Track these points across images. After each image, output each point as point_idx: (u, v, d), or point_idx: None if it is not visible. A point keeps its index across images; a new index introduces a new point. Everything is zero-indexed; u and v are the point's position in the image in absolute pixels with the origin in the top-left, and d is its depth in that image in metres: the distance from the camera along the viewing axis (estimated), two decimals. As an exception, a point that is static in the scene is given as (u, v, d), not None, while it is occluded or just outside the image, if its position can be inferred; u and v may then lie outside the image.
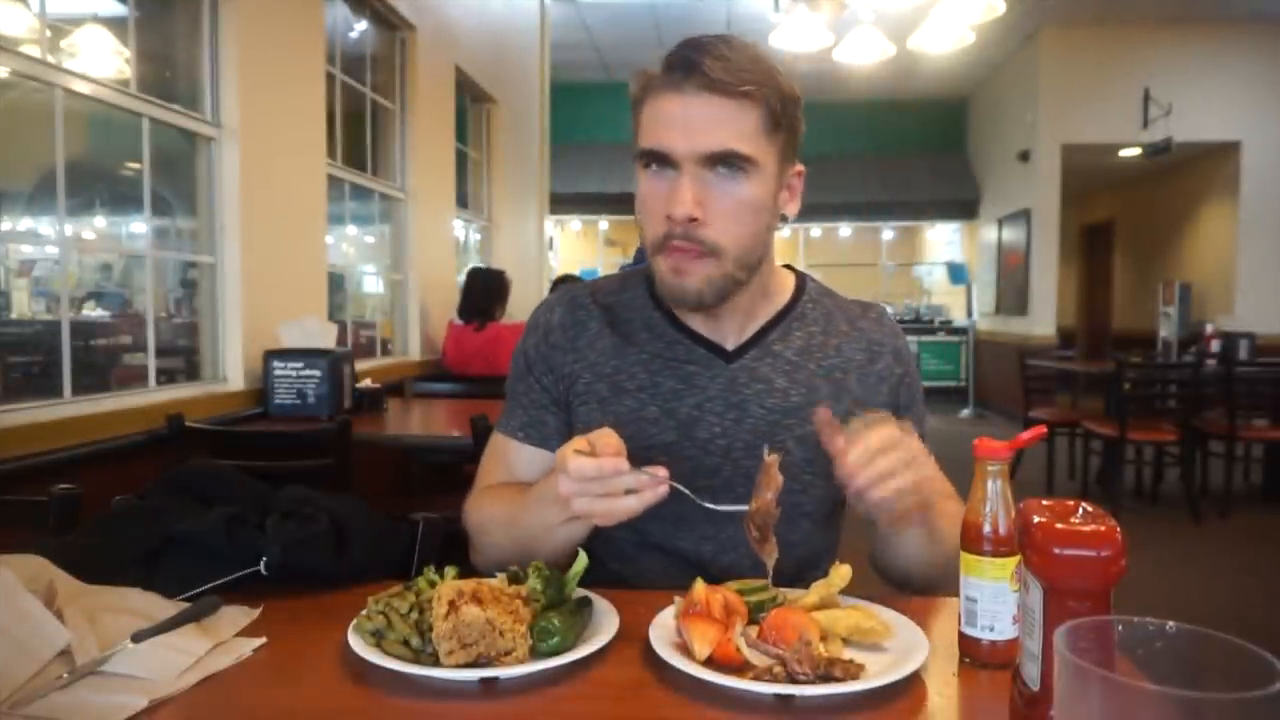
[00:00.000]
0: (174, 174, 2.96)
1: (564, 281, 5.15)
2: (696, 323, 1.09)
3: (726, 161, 0.95)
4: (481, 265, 4.46)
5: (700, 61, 0.93)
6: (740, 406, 1.07)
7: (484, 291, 4.28)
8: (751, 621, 0.84)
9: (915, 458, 0.87)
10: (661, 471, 0.85)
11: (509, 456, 1.14)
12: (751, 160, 0.96)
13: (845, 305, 1.18)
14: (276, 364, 2.90)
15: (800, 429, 1.07)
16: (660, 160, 0.96)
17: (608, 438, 0.86)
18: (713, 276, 0.99)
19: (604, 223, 11.12)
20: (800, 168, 1.06)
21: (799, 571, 1.08)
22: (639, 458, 1.02)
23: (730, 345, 1.09)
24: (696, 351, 1.08)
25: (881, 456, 0.86)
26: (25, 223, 3.08)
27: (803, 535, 1.09)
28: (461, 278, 5.82)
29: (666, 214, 0.96)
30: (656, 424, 1.06)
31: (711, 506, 0.90)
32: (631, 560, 1.09)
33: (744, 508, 0.88)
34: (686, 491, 0.88)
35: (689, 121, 0.94)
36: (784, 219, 1.06)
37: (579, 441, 0.85)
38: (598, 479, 0.83)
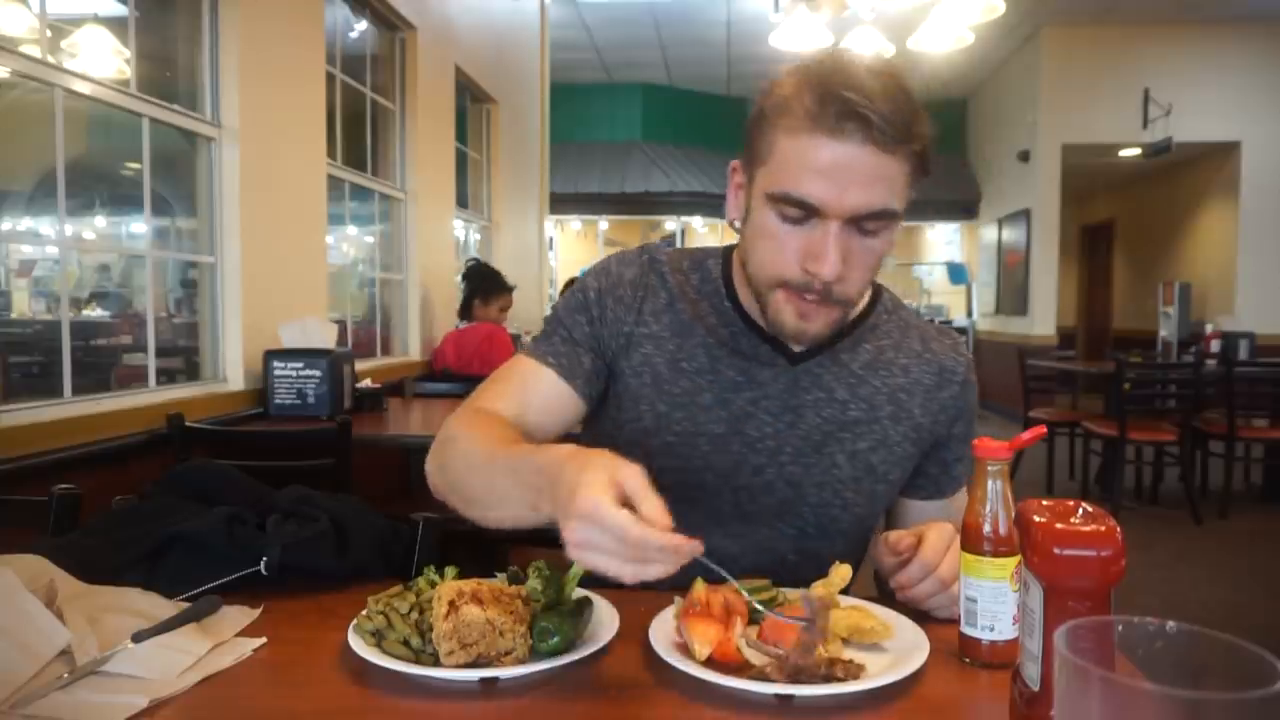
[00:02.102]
0: (174, 174, 2.96)
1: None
2: (765, 320, 1.05)
3: (875, 218, 0.90)
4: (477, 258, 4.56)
5: (865, 111, 0.85)
6: (796, 411, 1.04)
7: (475, 280, 4.36)
8: (751, 621, 0.84)
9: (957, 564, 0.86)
10: (694, 544, 0.71)
11: (528, 377, 1.05)
12: (898, 214, 0.92)
13: (921, 324, 1.15)
14: (276, 364, 2.90)
15: (853, 444, 1.05)
16: (803, 208, 0.90)
17: (657, 506, 0.71)
18: (835, 321, 0.98)
19: (604, 223, 11.11)
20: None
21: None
22: (686, 442, 1.03)
23: (796, 347, 1.05)
24: (761, 348, 1.05)
25: (933, 577, 0.87)
26: (25, 223, 3.09)
27: (837, 553, 1.05)
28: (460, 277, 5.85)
29: (805, 267, 0.92)
30: (709, 412, 1.03)
31: (763, 610, 0.80)
32: None
33: (800, 619, 0.77)
34: (722, 572, 0.78)
35: (846, 176, 0.87)
36: None
37: (609, 486, 0.70)
38: (633, 546, 0.68)
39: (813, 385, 1.05)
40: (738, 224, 1.02)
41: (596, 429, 1.11)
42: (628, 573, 0.69)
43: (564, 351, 1.05)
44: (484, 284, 4.38)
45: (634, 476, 0.72)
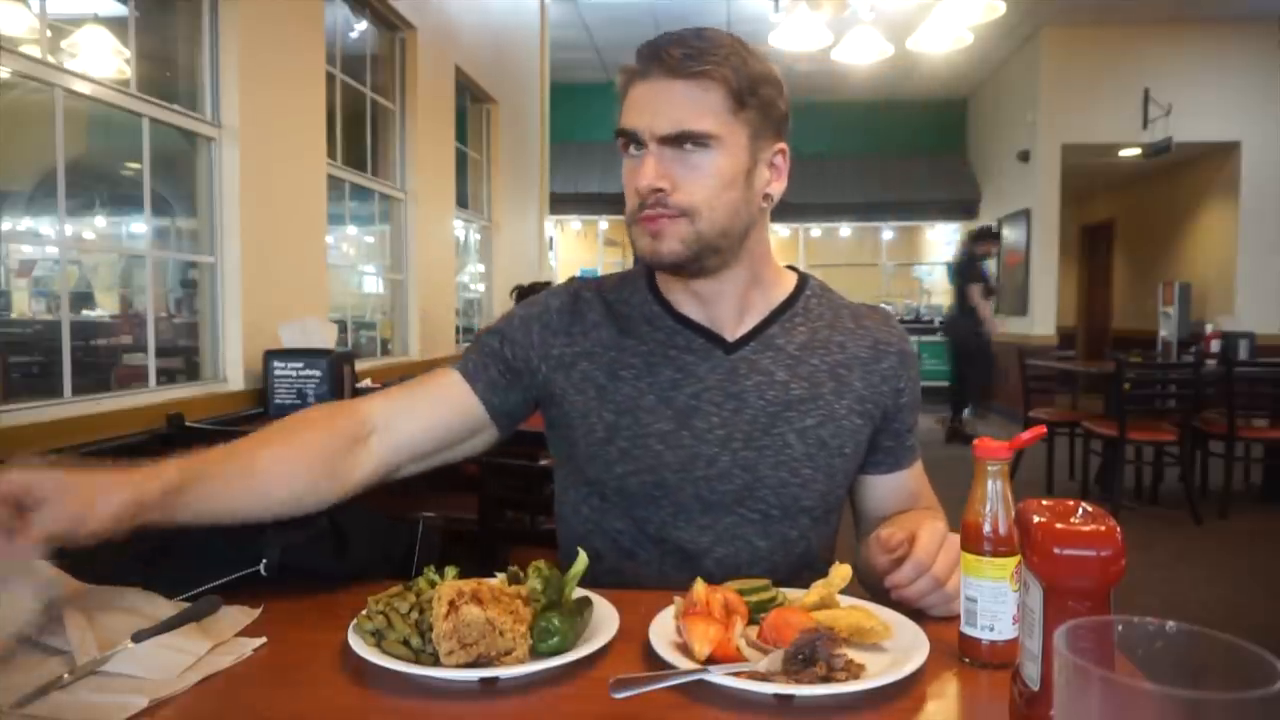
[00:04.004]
0: (174, 174, 2.96)
1: (526, 289, 5.17)
2: (694, 312, 1.10)
3: (686, 140, 0.99)
4: (525, 283, 4.58)
5: (661, 49, 0.99)
6: (739, 397, 1.07)
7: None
8: (751, 621, 0.84)
9: (954, 560, 0.88)
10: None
11: (431, 376, 1.13)
12: (713, 135, 0.99)
13: (851, 304, 1.19)
14: (277, 364, 2.90)
15: (800, 422, 1.08)
16: (631, 141, 1.02)
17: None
18: (686, 236, 1.01)
19: (604, 223, 11.11)
20: (782, 146, 1.06)
21: (796, 571, 1.08)
22: (638, 445, 1.07)
23: (729, 336, 1.10)
24: (695, 341, 1.09)
25: (927, 576, 0.89)
26: (25, 223, 3.08)
27: (801, 531, 1.10)
28: (462, 278, 5.86)
29: (636, 188, 1.01)
30: (653, 413, 1.07)
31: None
32: (630, 553, 1.10)
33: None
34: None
35: (652, 105, 1.00)
36: (768, 198, 1.07)
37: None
38: None
39: (751, 371, 1.09)
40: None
41: (559, 450, 1.16)
42: None
43: (474, 360, 1.12)
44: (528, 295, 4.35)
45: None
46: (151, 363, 2.69)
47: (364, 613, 0.82)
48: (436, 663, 0.75)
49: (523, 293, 4.33)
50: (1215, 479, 5.31)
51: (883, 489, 1.17)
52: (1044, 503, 0.67)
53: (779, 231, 10.73)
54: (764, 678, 0.74)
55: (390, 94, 4.50)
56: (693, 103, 0.99)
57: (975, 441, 0.82)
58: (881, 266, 11.40)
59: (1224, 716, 0.39)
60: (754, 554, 1.08)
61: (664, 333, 1.10)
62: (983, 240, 7.20)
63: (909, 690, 0.74)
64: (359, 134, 4.22)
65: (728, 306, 1.10)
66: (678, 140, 0.99)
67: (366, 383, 3.28)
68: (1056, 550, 0.62)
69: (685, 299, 1.10)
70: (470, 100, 5.92)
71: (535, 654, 0.78)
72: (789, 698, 0.72)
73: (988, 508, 0.80)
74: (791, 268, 1.20)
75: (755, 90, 1.01)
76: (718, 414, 1.07)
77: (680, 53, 0.98)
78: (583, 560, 0.88)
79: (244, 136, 2.92)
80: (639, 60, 1.02)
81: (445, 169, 5.06)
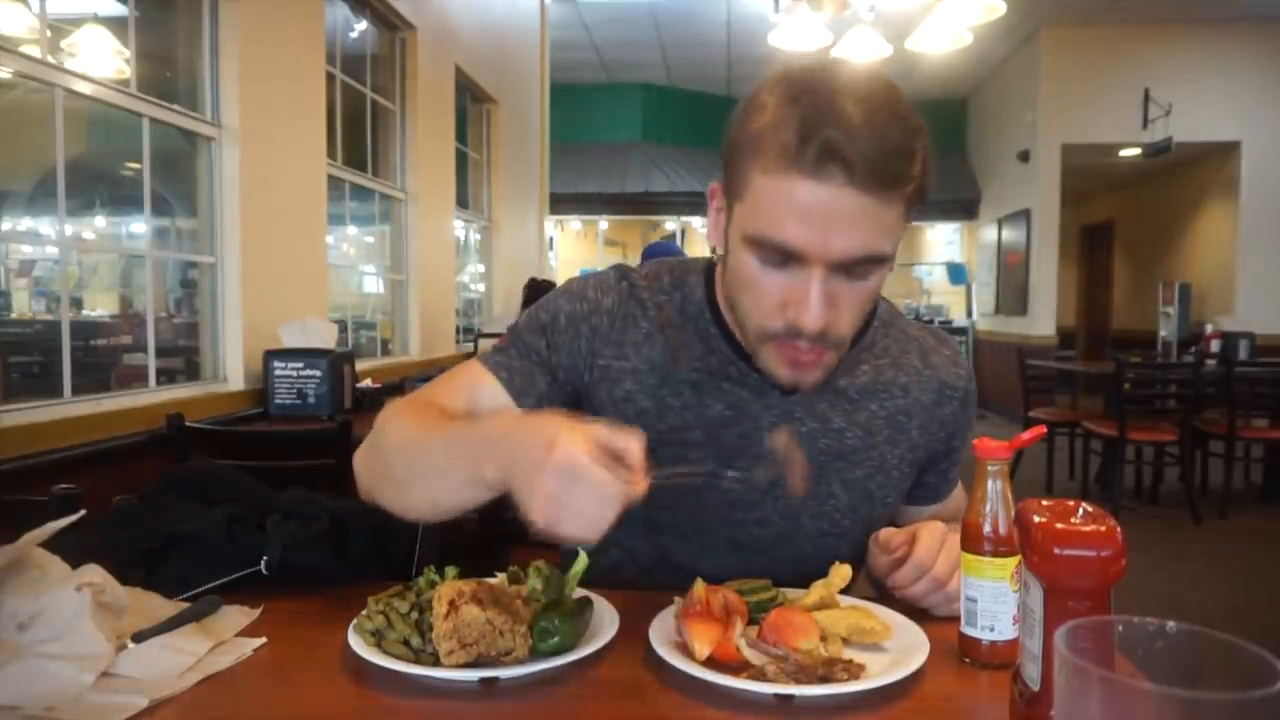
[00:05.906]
0: (174, 174, 2.96)
1: (541, 284, 5.20)
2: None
3: (862, 263, 0.83)
4: (537, 276, 4.62)
5: (846, 152, 0.77)
6: None
7: (528, 297, 4.39)
8: (751, 621, 0.84)
9: (955, 560, 0.86)
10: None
11: (472, 386, 0.99)
12: (887, 256, 0.84)
13: (919, 334, 1.09)
14: (277, 364, 2.90)
15: (850, 473, 1.02)
16: (783, 253, 0.83)
17: (636, 452, 0.75)
18: (829, 364, 0.91)
19: (604, 222, 11.11)
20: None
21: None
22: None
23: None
24: (751, 377, 0.98)
25: (928, 577, 0.88)
26: (25, 223, 3.08)
27: (828, 574, 1.06)
28: (462, 278, 5.86)
29: (789, 318, 0.85)
30: (698, 449, 0.98)
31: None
32: (648, 571, 1.05)
33: None
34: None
35: (828, 221, 0.79)
36: None
37: (587, 440, 0.72)
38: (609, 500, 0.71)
39: (807, 415, 1.00)
40: (719, 252, 0.96)
41: None
42: (593, 533, 0.71)
43: (518, 369, 0.99)
44: (536, 292, 4.41)
45: (605, 429, 0.74)
46: (151, 363, 2.69)
47: (364, 613, 0.82)
48: (436, 663, 0.75)
49: (535, 288, 4.34)
50: (1215, 479, 5.31)
51: (917, 518, 1.11)
52: (1044, 503, 0.67)
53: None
54: (764, 678, 0.74)
55: (390, 94, 4.50)
56: (878, 220, 0.80)
57: (975, 441, 0.82)
58: (881, 266, 11.39)
59: (1224, 716, 0.39)
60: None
61: (718, 359, 0.99)
62: None
63: (909, 690, 0.74)
64: (359, 134, 4.22)
65: None
66: (853, 263, 0.82)
67: (367, 383, 3.28)
68: (1056, 550, 0.62)
69: None
70: (470, 100, 5.92)
71: (535, 654, 0.78)
72: (789, 698, 0.72)
73: (988, 508, 0.80)
74: None
75: (928, 186, 0.84)
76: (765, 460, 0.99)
77: (869, 160, 0.77)
78: (583, 560, 0.88)
79: (244, 136, 2.92)
80: (806, 149, 0.78)
81: (445, 169, 5.06)
